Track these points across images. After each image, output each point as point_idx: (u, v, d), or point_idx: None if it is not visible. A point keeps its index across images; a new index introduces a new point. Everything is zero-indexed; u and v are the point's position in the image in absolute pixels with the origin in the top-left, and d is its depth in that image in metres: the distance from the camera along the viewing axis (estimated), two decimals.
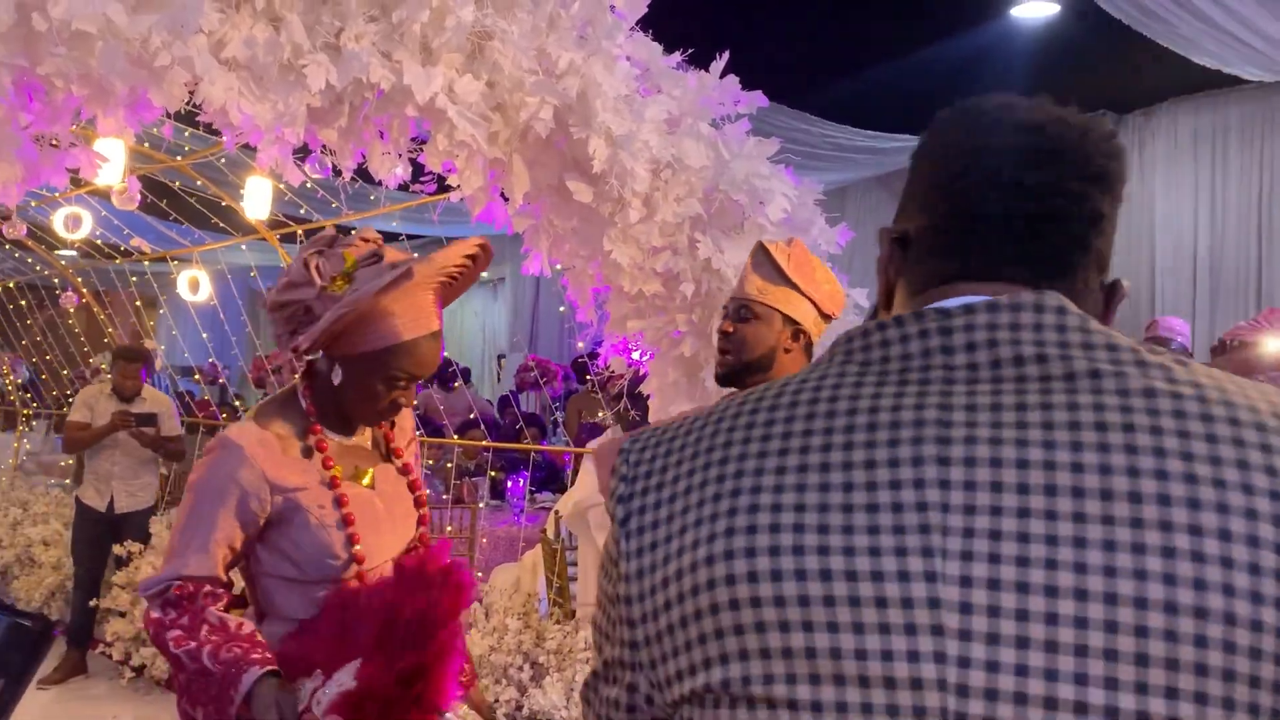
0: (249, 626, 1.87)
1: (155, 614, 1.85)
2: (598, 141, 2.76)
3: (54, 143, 2.21)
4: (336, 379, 1.90)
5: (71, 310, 6.90)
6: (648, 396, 3.51)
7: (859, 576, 0.68)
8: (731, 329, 2.20)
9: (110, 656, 5.25)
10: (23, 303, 7.95)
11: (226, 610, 1.90)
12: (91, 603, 5.29)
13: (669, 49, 5.24)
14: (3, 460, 8.17)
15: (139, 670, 5.10)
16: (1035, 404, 0.71)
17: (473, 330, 13.70)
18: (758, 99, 3.26)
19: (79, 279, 7.12)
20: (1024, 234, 0.77)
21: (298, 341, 1.82)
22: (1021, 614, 0.65)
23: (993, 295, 0.75)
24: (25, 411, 8.49)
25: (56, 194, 5.55)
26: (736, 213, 3.03)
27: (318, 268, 1.84)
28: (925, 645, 0.66)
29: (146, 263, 6.82)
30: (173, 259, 6.28)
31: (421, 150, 2.80)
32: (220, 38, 2.21)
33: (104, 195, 5.15)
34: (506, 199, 3.02)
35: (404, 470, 2.06)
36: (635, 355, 3.68)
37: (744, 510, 0.73)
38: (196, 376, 8.03)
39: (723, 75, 3.21)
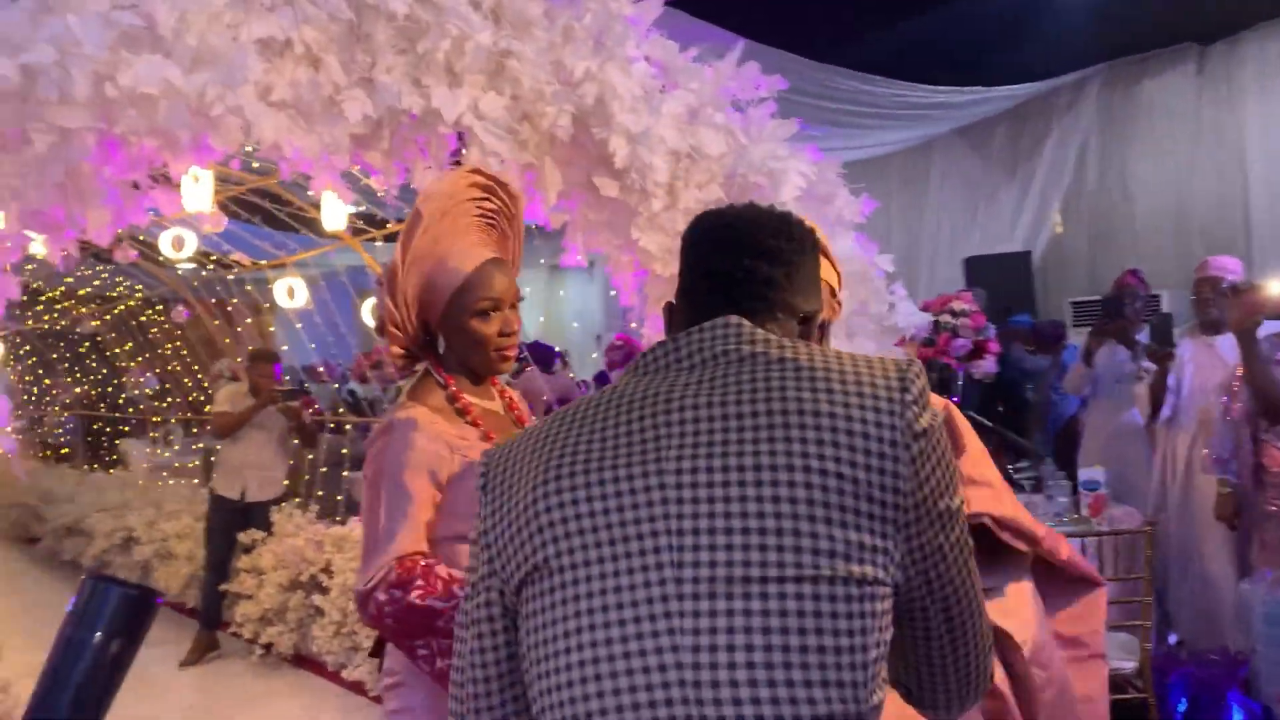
0: None
1: (382, 597, 1.82)
2: (617, 140, 3.01)
3: (136, 185, 2.56)
4: (443, 346, 2.08)
5: (183, 322, 7.47)
6: None
7: (620, 480, 1.15)
8: None
9: (241, 636, 5.76)
10: (143, 317, 8.61)
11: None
12: (221, 586, 5.81)
13: (724, 21, 5.40)
14: (137, 464, 8.86)
15: (267, 648, 5.60)
16: (721, 374, 1.18)
17: (569, 314, 14.08)
18: (777, 83, 3.45)
19: (190, 294, 7.72)
20: (722, 295, 1.27)
21: (392, 327, 2.03)
22: (710, 482, 1.11)
23: None
24: (155, 419, 9.19)
25: (162, 218, 6.05)
26: (759, 193, 3.24)
27: (386, 275, 2.07)
28: (657, 511, 1.12)
29: (246, 273, 7.36)
30: (270, 268, 6.78)
31: (460, 162, 3.08)
32: (267, 84, 2.53)
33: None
34: None
35: None
36: None
37: (555, 461, 1.19)
38: (322, 374, 8.46)
39: (748, 59, 3.43)
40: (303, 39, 2.53)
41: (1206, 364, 4.30)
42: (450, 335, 2.05)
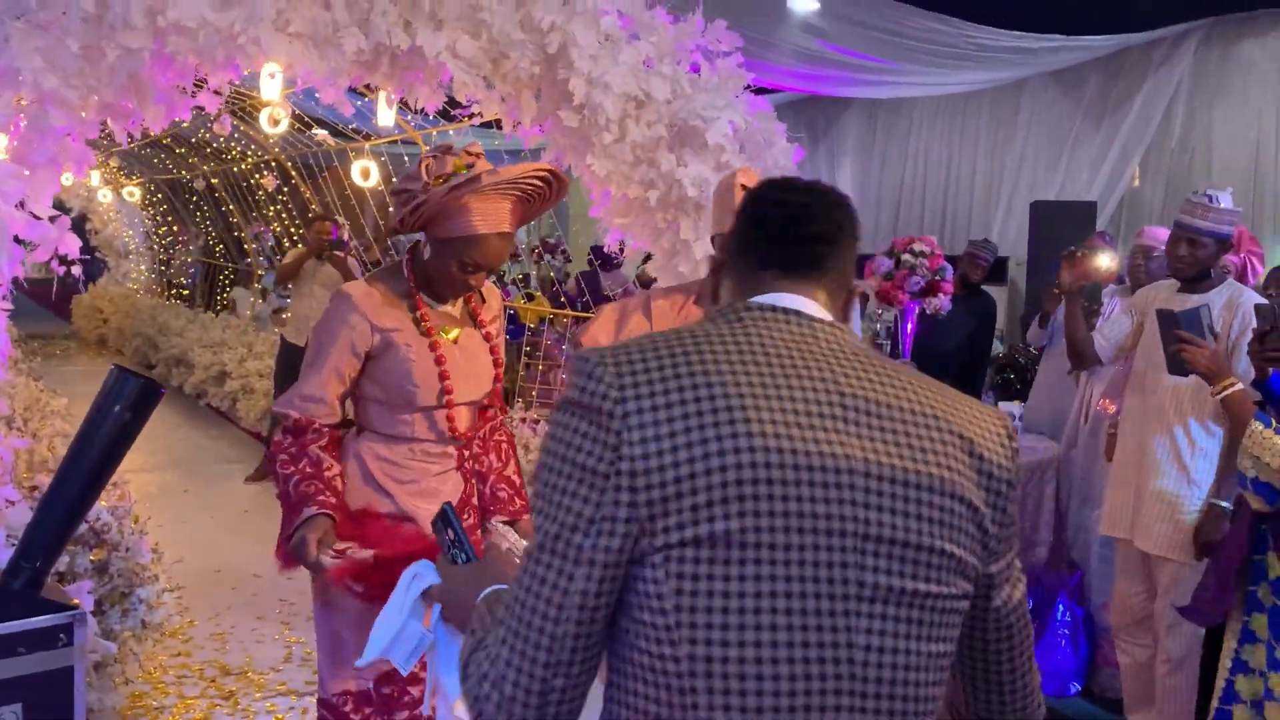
0: (336, 470, 2.37)
1: (278, 436, 2.44)
2: (577, 81, 3.68)
3: (183, 89, 3.37)
4: (427, 254, 2.38)
5: (270, 189, 8.48)
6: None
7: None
8: None
9: None
10: (252, 180, 9.68)
11: (332, 441, 2.41)
12: None
13: None
14: (242, 310, 10.01)
15: None
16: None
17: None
18: (735, 39, 4.05)
19: (288, 164, 8.71)
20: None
21: (395, 220, 2.38)
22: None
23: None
24: (259, 271, 10.32)
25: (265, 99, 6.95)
26: (695, 135, 3.88)
27: (428, 168, 2.30)
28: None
29: (333, 149, 8.27)
30: (351, 150, 7.65)
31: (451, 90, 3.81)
32: (287, 19, 3.28)
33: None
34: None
35: (485, 337, 2.56)
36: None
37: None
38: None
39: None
40: None
41: None
42: (436, 256, 2.38)
